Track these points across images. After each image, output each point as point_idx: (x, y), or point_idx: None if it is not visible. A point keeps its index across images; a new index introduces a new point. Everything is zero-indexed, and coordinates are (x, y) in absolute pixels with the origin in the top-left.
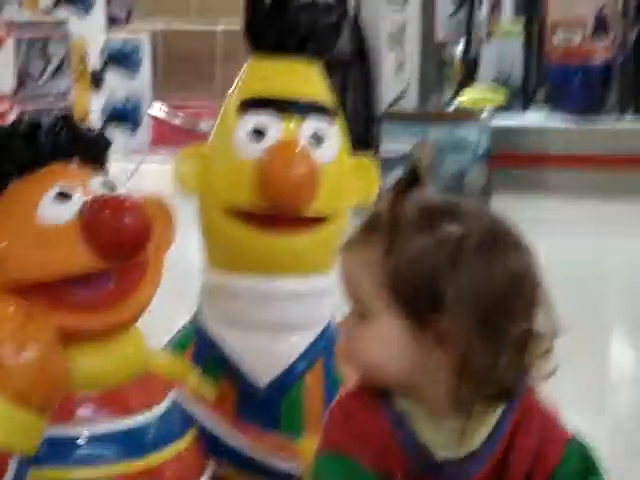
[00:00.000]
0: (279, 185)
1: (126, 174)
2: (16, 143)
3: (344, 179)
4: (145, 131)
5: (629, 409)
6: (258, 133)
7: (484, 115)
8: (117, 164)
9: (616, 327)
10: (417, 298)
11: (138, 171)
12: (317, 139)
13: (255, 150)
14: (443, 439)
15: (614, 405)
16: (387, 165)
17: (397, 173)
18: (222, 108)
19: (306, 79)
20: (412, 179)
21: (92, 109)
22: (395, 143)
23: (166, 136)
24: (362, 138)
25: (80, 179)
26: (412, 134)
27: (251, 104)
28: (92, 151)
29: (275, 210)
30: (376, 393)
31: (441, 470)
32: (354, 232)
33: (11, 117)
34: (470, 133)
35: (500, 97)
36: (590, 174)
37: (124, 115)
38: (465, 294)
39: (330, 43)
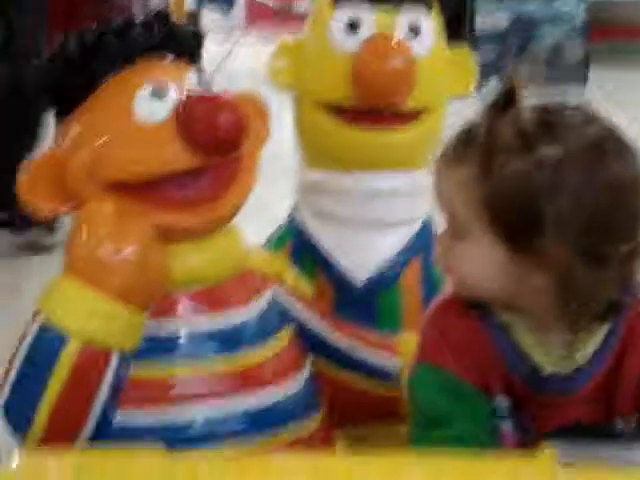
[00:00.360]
0: (375, 79)
1: (221, 55)
2: (109, 40)
3: (441, 71)
4: (240, 11)
5: None
6: (352, 26)
7: None
8: (212, 45)
9: None
10: (516, 221)
11: (233, 52)
12: (413, 31)
13: (350, 43)
14: (547, 352)
15: None
16: (481, 41)
17: (492, 84)
18: (315, 1)
19: None
20: (508, 98)
21: None
22: (490, 18)
23: (261, 17)
24: (456, 14)
25: (175, 75)
26: (507, 9)
27: None
28: (186, 47)
29: (371, 105)
30: (474, 304)
31: (545, 383)
32: (448, 146)
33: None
34: (567, 4)
35: None
36: None
37: None
38: (566, 215)
39: None
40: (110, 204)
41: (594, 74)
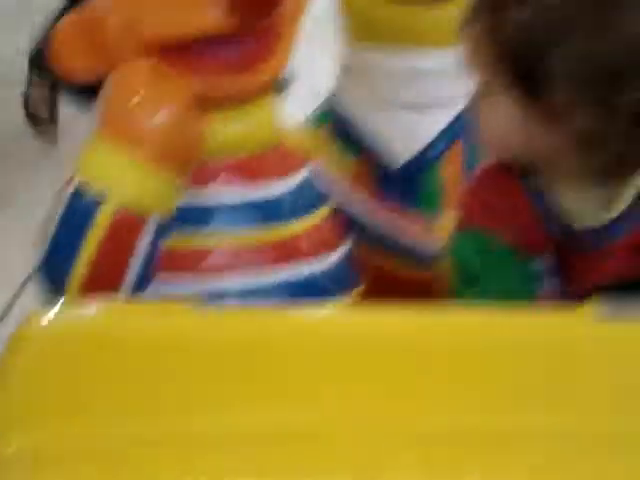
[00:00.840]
0: None
1: None
2: None
3: None
4: None
5: None
6: None
7: None
8: None
9: None
10: (527, 70)
11: None
12: None
13: None
14: (587, 207)
15: None
16: None
17: None
18: None
19: None
20: None
21: None
22: None
23: None
24: None
25: None
26: None
27: None
28: None
29: None
30: (513, 169)
31: (581, 240)
32: (467, 7)
33: None
34: None
35: None
36: None
37: None
38: (576, 65)
39: None
40: (146, 67)
41: None
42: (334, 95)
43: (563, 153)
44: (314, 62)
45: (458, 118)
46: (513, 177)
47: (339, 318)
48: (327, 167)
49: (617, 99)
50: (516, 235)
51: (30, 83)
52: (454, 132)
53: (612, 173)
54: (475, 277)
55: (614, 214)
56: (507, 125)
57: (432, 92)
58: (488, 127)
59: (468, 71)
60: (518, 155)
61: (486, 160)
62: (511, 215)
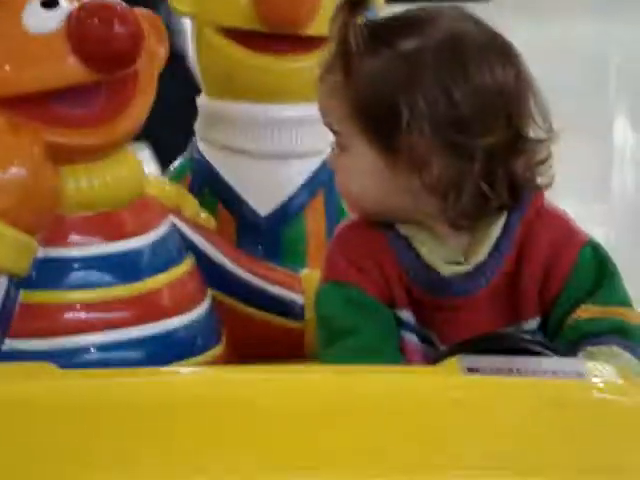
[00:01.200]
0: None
1: None
2: None
3: None
4: None
5: (631, 195)
6: None
7: None
8: None
9: (616, 112)
10: (381, 119)
11: None
12: None
13: None
14: (449, 255)
15: (615, 191)
16: None
17: None
18: None
19: None
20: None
21: None
22: None
23: None
24: None
25: None
26: None
27: None
28: None
29: (273, 28)
30: (375, 222)
31: (446, 287)
32: (321, 61)
33: None
34: None
35: None
36: None
37: None
38: (425, 111)
39: None
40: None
41: None
42: (194, 147)
43: (423, 200)
44: None
45: (320, 169)
46: (376, 229)
47: (200, 378)
48: (189, 220)
49: (470, 143)
50: (381, 288)
51: None
52: (317, 182)
53: (472, 215)
54: (341, 331)
55: (478, 260)
56: (367, 177)
57: (290, 142)
58: (347, 180)
59: (325, 123)
60: (377, 207)
61: (350, 213)
62: (375, 268)
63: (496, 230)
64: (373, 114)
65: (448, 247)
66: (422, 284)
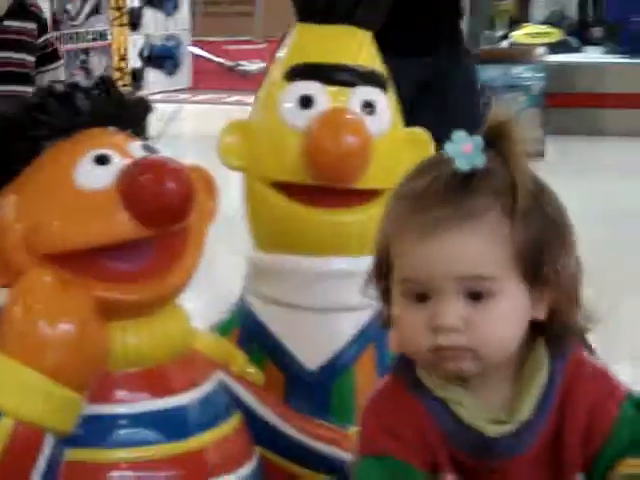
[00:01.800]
0: (329, 154)
1: (166, 116)
2: (52, 104)
3: (397, 151)
4: (187, 71)
5: None
6: (306, 101)
7: (539, 52)
8: (158, 105)
9: None
10: (539, 258)
11: (179, 112)
12: (368, 108)
13: (303, 119)
14: (491, 414)
15: None
16: None
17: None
18: (267, 76)
19: (355, 46)
20: (497, 134)
21: (131, 49)
22: None
23: (208, 76)
24: None
25: (119, 142)
26: None
27: (298, 71)
28: (131, 116)
29: (324, 182)
30: (407, 385)
31: (492, 448)
32: (436, 209)
33: None
34: (525, 72)
35: (555, 34)
36: None
37: (164, 54)
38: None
39: (379, 9)
40: (48, 276)
41: (552, 141)
42: (242, 300)
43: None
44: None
45: (371, 322)
46: (410, 394)
47: None
48: (236, 375)
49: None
50: (422, 454)
51: None
52: (367, 336)
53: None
54: None
55: (522, 418)
56: (519, 319)
57: (340, 296)
58: (494, 328)
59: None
60: (508, 355)
61: (379, 382)
62: (414, 434)
63: (538, 386)
64: (535, 253)
65: (489, 407)
66: (465, 447)
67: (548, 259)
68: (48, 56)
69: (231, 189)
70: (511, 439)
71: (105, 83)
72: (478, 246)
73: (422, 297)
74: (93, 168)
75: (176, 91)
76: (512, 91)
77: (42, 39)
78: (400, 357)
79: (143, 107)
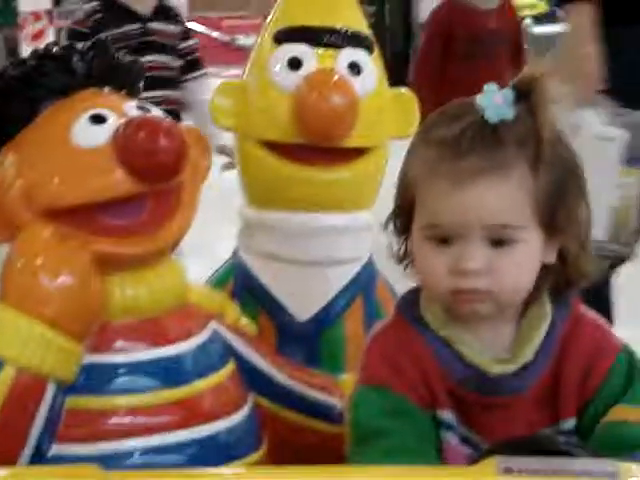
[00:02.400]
0: (317, 114)
1: None
2: (49, 66)
3: (383, 111)
4: None
5: None
6: (294, 63)
7: (525, 24)
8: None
9: None
10: (556, 204)
11: None
12: (355, 69)
13: (292, 80)
14: (494, 355)
15: None
16: None
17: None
18: (257, 39)
19: (342, 9)
20: (528, 89)
21: None
22: None
23: (204, 51)
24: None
25: (114, 102)
26: None
27: (286, 34)
28: (126, 78)
29: (313, 141)
30: (411, 323)
31: (495, 385)
32: (471, 153)
33: (48, 34)
34: None
35: (541, 6)
36: None
37: None
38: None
39: None
40: (47, 231)
41: None
42: (235, 256)
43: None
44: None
45: (358, 275)
46: (413, 331)
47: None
48: (230, 326)
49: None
50: (421, 390)
51: None
52: (355, 288)
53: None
54: (376, 433)
55: (524, 360)
56: (534, 263)
57: (330, 250)
58: (520, 273)
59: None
60: (522, 296)
61: (387, 316)
62: (415, 371)
63: (541, 331)
64: (553, 199)
65: (491, 347)
66: (468, 384)
67: (564, 206)
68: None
69: None
70: (513, 378)
71: (100, 45)
72: (507, 196)
73: (445, 241)
74: (89, 127)
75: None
76: None
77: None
78: (404, 296)
79: (137, 68)
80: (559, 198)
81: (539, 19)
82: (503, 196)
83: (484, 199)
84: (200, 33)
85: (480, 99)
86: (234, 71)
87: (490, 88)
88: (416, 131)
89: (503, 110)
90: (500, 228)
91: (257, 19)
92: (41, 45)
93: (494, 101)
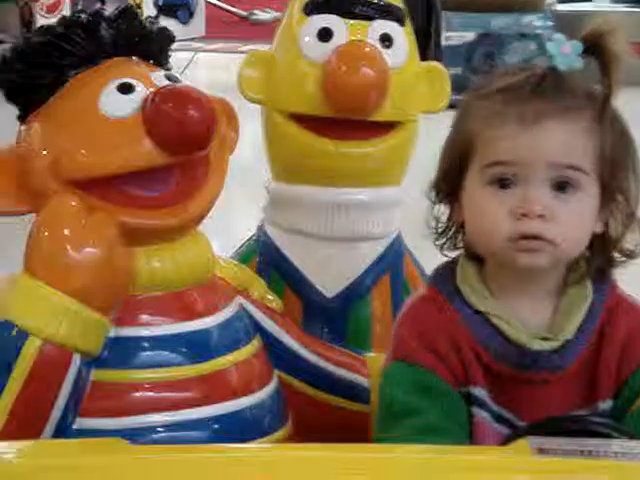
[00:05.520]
0: (347, 87)
1: (181, 65)
2: (77, 34)
3: (414, 85)
4: (200, 20)
5: None
6: (325, 34)
7: (549, 1)
8: (172, 54)
9: None
10: (613, 163)
11: (194, 62)
12: (386, 41)
13: (322, 52)
14: (533, 331)
15: None
16: (447, 57)
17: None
18: (287, 10)
19: None
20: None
21: None
22: (455, 33)
23: (222, 25)
24: (423, 28)
25: (143, 72)
26: (473, 23)
27: (316, 5)
28: (154, 46)
29: (343, 114)
30: (446, 296)
31: (537, 361)
32: (538, 96)
33: (64, 6)
34: (535, 20)
35: None
36: None
37: (178, 3)
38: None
39: None
40: (74, 202)
41: None
42: (261, 230)
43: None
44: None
45: (386, 252)
46: (449, 305)
47: (269, 455)
48: (257, 301)
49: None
50: (454, 368)
51: None
52: (383, 265)
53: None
54: (406, 410)
55: (565, 337)
56: (592, 217)
57: (357, 226)
58: (575, 222)
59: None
60: (579, 252)
61: (417, 291)
62: (449, 347)
63: (583, 309)
64: (610, 156)
65: (529, 323)
66: (507, 360)
67: (619, 173)
68: None
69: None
70: (553, 355)
71: (128, 13)
72: (574, 138)
73: (506, 184)
74: (117, 96)
75: (190, 40)
76: (522, 39)
77: None
78: (438, 269)
79: (165, 37)
80: (616, 162)
81: None
82: (571, 137)
83: (553, 136)
84: (216, 6)
85: (549, 46)
86: (251, 46)
87: (558, 37)
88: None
89: (572, 60)
90: (566, 168)
91: None
92: (56, 17)
93: (562, 50)
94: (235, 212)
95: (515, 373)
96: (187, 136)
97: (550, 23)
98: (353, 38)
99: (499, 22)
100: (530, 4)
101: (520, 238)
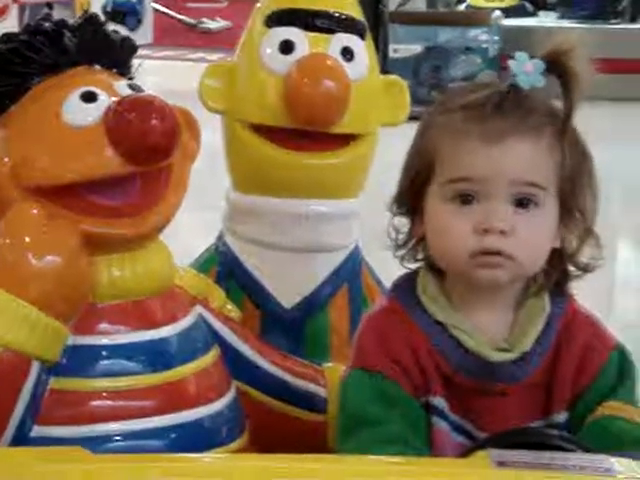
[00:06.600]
0: (308, 99)
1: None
2: (40, 42)
3: (374, 98)
4: (148, 27)
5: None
6: (286, 46)
7: (495, 16)
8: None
9: (622, 238)
10: (569, 193)
11: (141, 69)
12: (347, 54)
13: (283, 64)
14: (492, 343)
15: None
16: (393, 67)
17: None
18: (249, 22)
19: None
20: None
21: (92, 3)
22: (402, 45)
23: (170, 33)
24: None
25: (106, 81)
26: (420, 36)
27: (278, 17)
28: (117, 55)
29: (304, 125)
30: (406, 307)
31: (496, 373)
32: (500, 115)
33: (12, 11)
34: (481, 34)
35: None
36: (603, 77)
37: (126, 10)
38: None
39: None
40: (35, 210)
41: None
42: (220, 240)
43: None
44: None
45: (344, 263)
46: (409, 315)
47: (225, 465)
48: (215, 311)
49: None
50: (414, 377)
51: None
52: (341, 276)
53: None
54: (366, 420)
55: (523, 348)
56: (552, 232)
57: (316, 237)
58: (535, 237)
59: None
60: (539, 267)
61: (378, 302)
62: (410, 357)
63: (540, 322)
64: (570, 172)
65: (489, 335)
66: (466, 371)
67: (577, 190)
68: None
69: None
70: (512, 366)
71: (92, 22)
72: (536, 156)
73: (468, 200)
74: (80, 105)
75: (138, 47)
76: (469, 53)
77: None
78: (399, 281)
79: (128, 46)
80: (575, 179)
81: (508, 11)
82: (533, 154)
83: (515, 154)
84: (164, 14)
85: (512, 64)
86: (199, 54)
87: (521, 55)
88: (431, 106)
89: (534, 78)
90: (527, 185)
91: (223, 3)
92: (4, 22)
93: (524, 68)
94: (188, 222)
95: (473, 384)
96: (150, 146)
97: (496, 37)
98: (314, 51)
99: (446, 35)
100: (476, 18)
101: (481, 254)
